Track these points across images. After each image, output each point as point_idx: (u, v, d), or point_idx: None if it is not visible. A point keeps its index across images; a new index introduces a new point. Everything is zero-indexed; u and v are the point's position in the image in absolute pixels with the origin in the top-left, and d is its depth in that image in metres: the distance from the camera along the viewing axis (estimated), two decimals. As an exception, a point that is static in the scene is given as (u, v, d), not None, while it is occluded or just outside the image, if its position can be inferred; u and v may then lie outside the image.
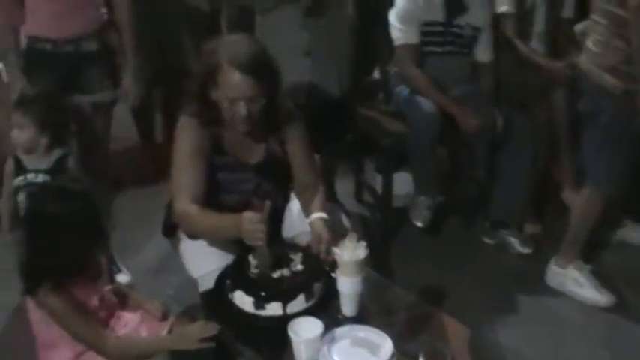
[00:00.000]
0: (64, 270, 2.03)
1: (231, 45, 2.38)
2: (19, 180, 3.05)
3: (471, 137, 3.60)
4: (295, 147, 2.57)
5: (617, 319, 3.22)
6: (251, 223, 2.19)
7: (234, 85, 2.32)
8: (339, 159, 4.00)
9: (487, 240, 3.79)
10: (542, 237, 3.77)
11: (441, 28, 3.63)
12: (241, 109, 2.34)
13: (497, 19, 3.78)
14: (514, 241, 3.69)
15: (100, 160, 3.73)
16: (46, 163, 3.03)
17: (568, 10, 3.92)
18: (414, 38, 3.62)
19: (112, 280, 2.25)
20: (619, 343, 3.07)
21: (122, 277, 2.66)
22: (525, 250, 3.67)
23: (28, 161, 3.05)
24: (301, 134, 2.59)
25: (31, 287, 2.07)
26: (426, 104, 3.55)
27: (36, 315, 2.14)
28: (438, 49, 3.66)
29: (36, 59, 3.45)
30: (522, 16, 3.83)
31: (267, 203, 2.23)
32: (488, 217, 3.80)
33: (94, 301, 2.13)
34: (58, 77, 3.42)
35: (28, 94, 3.19)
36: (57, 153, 3.05)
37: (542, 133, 3.78)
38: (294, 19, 3.48)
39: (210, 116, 2.44)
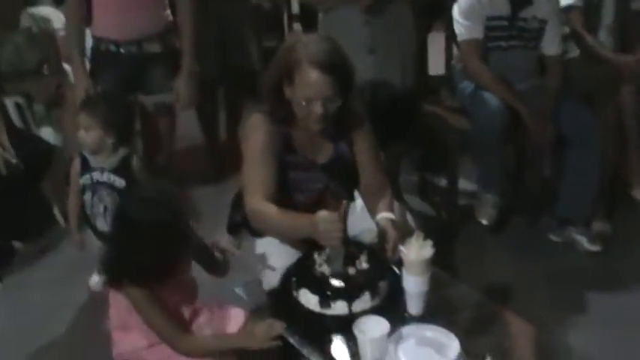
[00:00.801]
0: (149, 274, 2.06)
1: (310, 44, 2.36)
2: (85, 178, 3.10)
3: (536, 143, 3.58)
4: (363, 147, 2.56)
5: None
6: (328, 222, 2.16)
7: (312, 84, 2.31)
8: (403, 156, 3.97)
9: (554, 238, 3.71)
10: (611, 235, 3.67)
11: (505, 23, 3.58)
12: (318, 108, 2.33)
13: (563, 12, 3.72)
14: (582, 239, 3.61)
15: (163, 160, 3.78)
16: (111, 162, 3.08)
17: (639, 2, 3.83)
18: (478, 33, 3.58)
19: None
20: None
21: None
22: (594, 248, 3.58)
23: (93, 160, 3.09)
24: (369, 135, 2.57)
25: (114, 282, 2.11)
26: (492, 100, 3.51)
27: (116, 298, 2.17)
28: (503, 44, 3.61)
29: (101, 60, 3.51)
30: (590, 8, 3.76)
31: (345, 202, 2.22)
32: (556, 214, 3.73)
33: (176, 296, 2.17)
34: (122, 77, 3.47)
35: (94, 95, 3.24)
36: (122, 152, 3.09)
37: (610, 129, 3.70)
38: (356, 17, 3.47)
39: (282, 114, 2.44)
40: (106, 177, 3.07)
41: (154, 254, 2.03)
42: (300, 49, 2.34)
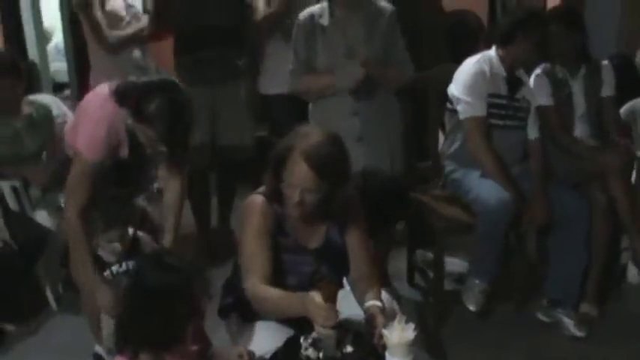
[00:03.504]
0: (157, 340, 2.10)
1: (311, 136, 2.43)
2: (114, 268, 3.04)
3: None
4: (353, 236, 2.62)
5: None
6: (321, 309, 2.21)
7: (296, 173, 2.39)
8: (392, 243, 4.03)
9: (542, 317, 3.74)
10: (598, 318, 3.69)
11: (504, 102, 3.63)
12: (296, 195, 2.41)
13: (536, 112, 3.75)
14: (569, 323, 3.63)
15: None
16: (120, 249, 3.06)
17: (607, 89, 3.89)
18: (481, 110, 3.58)
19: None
20: None
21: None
22: (579, 334, 3.60)
23: (108, 256, 3.05)
24: (360, 223, 2.63)
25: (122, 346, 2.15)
26: (497, 189, 3.48)
27: None
28: (500, 122, 3.63)
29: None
30: (560, 103, 3.81)
31: (336, 288, 2.29)
32: (545, 294, 3.77)
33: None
34: None
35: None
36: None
37: (602, 213, 3.64)
38: (346, 106, 3.57)
39: (278, 196, 2.51)
40: (125, 266, 3.04)
41: (164, 320, 2.07)
42: (297, 138, 2.43)
